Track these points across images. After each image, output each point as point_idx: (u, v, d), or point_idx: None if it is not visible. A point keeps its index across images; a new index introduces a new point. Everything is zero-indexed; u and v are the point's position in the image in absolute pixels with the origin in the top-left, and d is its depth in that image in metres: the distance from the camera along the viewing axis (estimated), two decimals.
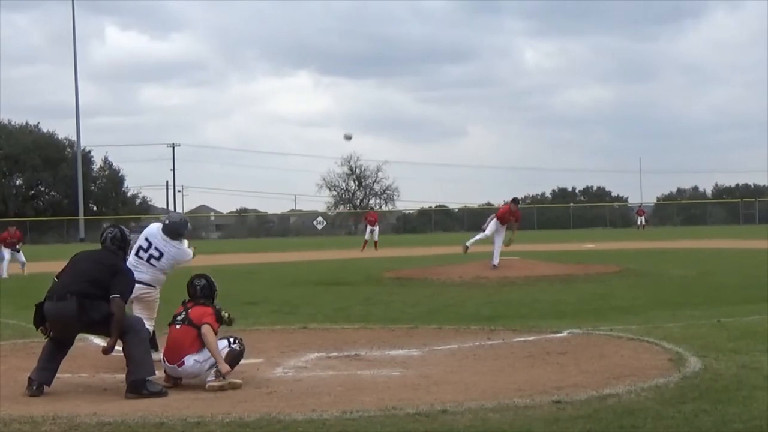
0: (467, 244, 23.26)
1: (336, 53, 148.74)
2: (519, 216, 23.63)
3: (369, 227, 42.95)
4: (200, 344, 8.53)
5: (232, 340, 8.71)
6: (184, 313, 8.75)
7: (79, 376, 9.10)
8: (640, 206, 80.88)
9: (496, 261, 22.13)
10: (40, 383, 8.19)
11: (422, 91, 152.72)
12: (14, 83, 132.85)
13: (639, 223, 70.73)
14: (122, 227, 9.04)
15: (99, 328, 8.38)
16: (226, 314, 8.94)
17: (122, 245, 8.81)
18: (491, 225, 22.61)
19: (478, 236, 23.07)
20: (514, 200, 23.85)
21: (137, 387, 8.01)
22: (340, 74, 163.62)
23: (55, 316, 8.27)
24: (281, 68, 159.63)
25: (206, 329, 8.54)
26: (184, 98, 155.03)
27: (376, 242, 41.85)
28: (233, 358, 8.56)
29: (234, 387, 8.23)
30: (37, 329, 8.54)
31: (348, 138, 7.98)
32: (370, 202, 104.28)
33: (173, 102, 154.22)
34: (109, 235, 8.79)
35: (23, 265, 28.66)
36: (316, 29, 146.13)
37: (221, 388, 8.19)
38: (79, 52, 49.83)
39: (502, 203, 24.88)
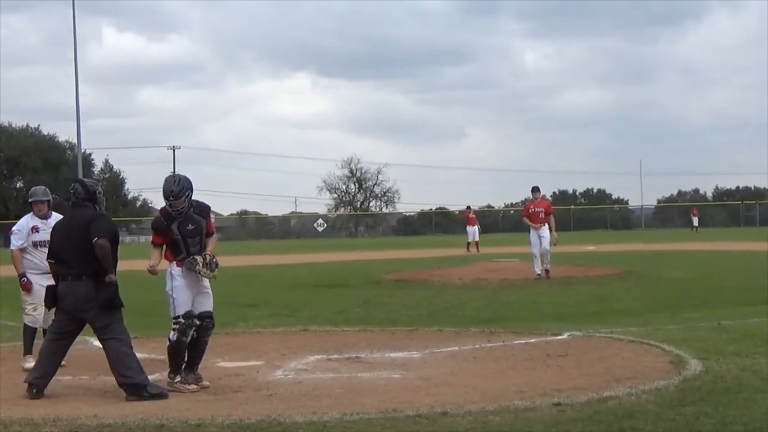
0: (538, 271, 20.63)
1: (334, 55, 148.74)
2: (547, 206, 21.49)
3: (472, 227, 40.79)
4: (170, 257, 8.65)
5: (172, 325, 8.53)
6: None
7: (79, 379, 9.11)
8: (693, 206, 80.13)
9: (537, 269, 20.54)
10: (39, 387, 8.19)
11: (421, 92, 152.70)
12: (11, 85, 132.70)
13: (694, 224, 70.17)
14: (83, 180, 8.90)
15: (106, 318, 8.24)
16: (204, 259, 8.61)
17: (87, 197, 8.53)
18: (531, 239, 20.80)
19: (534, 257, 20.81)
20: (532, 189, 21.52)
21: (138, 390, 8.01)
22: (339, 76, 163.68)
23: (70, 296, 8.24)
24: (279, 70, 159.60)
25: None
26: (182, 100, 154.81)
27: (476, 242, 40.07)
28: (169, 353, 8.47)
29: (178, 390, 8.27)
30: (49, 309, 8.49)
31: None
32: (371, 204, 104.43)
33: (171, 104, 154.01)
34: (71, 191, 8.59)
35: None
36: (314, 30, 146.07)
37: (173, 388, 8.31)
38: (77, 54, 49.82)
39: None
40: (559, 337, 11.17)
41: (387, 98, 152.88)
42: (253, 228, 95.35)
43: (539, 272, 20.57)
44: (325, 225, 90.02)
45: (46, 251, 8.89)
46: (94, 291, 8.17)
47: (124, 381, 8.09)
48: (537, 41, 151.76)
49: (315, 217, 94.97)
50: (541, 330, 11.90)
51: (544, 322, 12.87)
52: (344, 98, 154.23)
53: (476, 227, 40.99)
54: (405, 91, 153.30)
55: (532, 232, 20.86)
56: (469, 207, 46.50)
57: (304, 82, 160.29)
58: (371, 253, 41.34)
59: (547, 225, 20.89)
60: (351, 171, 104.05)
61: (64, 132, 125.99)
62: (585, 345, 10.49)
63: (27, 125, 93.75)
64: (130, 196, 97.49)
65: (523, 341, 10.96)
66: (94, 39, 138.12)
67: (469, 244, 40.18)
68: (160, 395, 8.01)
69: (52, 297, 8.42)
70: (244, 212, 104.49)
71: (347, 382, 8.52)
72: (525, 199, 27.44)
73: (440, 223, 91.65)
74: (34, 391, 8.15)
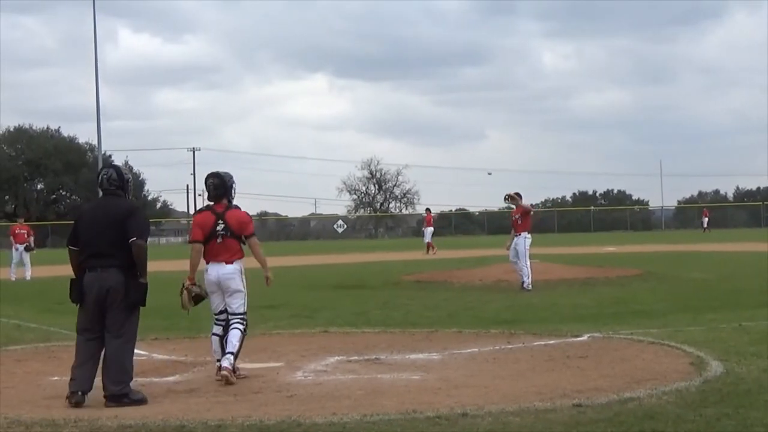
0: (526, 285, 18.76)
1: (350, 55, 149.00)
2: (521, 209, 19.18)
3: (429, 227, 40.75)
4: (242, 254, 9.14)
5: (239, 319, 8.98)
6: (222, 223, 9.00)
7: (99, 380, 9.12)
8: (705, 207, 79.78)
9: (525, 282, 18.79)
10: (81, 391, 7.79)
11: (439, 93, 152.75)
12: (29, 87, 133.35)
13: (704, 224, 69.80)
14: (118, 166, 8.66)
15: (123, 317, 7.87)
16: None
17: (120, 185, 8.15)
18: (511, 248, 19.17)
19: (518, 268, 19.12)
20: (504, 198, 19.74)
21: (118, 398, 7.73)
22: (356, 77, 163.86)
23: (97, 287, 7.83)
24: (296, 71, 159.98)
25: (254, 241, 9.27)
26: (199, 101, 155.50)
27: (429, 243, 39.79)
28: (241, 344, 8.91)
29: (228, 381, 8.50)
30: (75, 304, 8.02)
31: None
32: (390, 205, 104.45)
33: (188, 105, 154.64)
34: (105, 176, 8.17)
35: (28, 268, 27.26)
36: (331, 31, 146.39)
37: (228, 381, 8.50)
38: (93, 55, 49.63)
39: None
40: (579, 339, 11.14)
41: (405, 99, 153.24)
42: (273, 229, 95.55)
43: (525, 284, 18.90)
44: (345, 226, 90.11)
45: None
46: (123, 285, 7.83)
47: (113, 390, 7.76)
48: (555, 42, 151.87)
49: (335, 218, 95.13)
50: (561, 331, 11.87)
51: (565, 324, 12.83)
52: (362, 99, 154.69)
53: (432, 228, 41.23)
54: (423, 92, 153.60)
55: (514, 241, 19.09)
56: (428, 209, 48.77)
57: (321, 83, 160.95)
58: (391, 254, 41.36)
59: (523, 233, 18.97)
60: (371, 172, 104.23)
61: (82, 133, 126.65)
62: (605, 346, 10.45)
63: (47, 127, 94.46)
64: (150, 198, 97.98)
65: (543, 342, 10.94)
66: (110, 40, 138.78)
67: (429, 245, 39.76)
68: (141, 401, 7.75)
69: (78, 291, 7.96)
70: (264, 214, 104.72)
71: (367, 384, 8.52)
72: (545, 200, 27.02)
73: (460, 224, 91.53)
74: (80, 394, 7.77)
